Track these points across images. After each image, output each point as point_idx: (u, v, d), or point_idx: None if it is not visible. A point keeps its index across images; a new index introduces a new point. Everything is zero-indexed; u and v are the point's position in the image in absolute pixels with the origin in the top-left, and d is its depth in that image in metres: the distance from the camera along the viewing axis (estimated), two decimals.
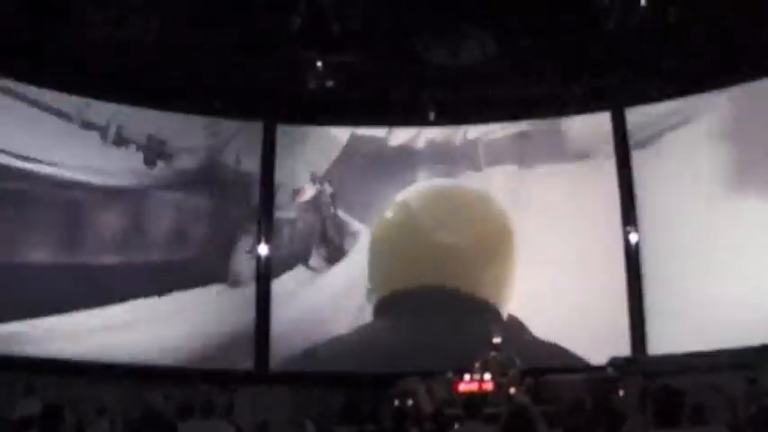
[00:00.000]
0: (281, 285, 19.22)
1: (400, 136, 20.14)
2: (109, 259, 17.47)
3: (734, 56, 16.83)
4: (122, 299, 17.26)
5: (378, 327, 18.87)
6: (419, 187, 19.88)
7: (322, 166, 19.88)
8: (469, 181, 19.81)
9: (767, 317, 15.77)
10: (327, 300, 19.17)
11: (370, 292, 19.16)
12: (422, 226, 19.35)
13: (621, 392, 14.09)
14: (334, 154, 19.90)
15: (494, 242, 19.43)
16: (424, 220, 19.44)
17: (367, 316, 19.06)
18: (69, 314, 16.55)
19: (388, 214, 19.60)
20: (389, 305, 18.97)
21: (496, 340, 16.41)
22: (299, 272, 19.23)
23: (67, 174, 17.30)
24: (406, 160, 20.03)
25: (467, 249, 19.08)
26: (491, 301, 18.91)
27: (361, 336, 18.80)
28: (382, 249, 19.42)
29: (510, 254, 19.21)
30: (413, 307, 18.77)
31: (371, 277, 19.29)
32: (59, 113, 17.39)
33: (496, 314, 18.68)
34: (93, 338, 16.62)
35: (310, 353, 18.58)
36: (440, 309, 18.66)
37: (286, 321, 18.88)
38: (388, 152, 20.08)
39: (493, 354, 16.18)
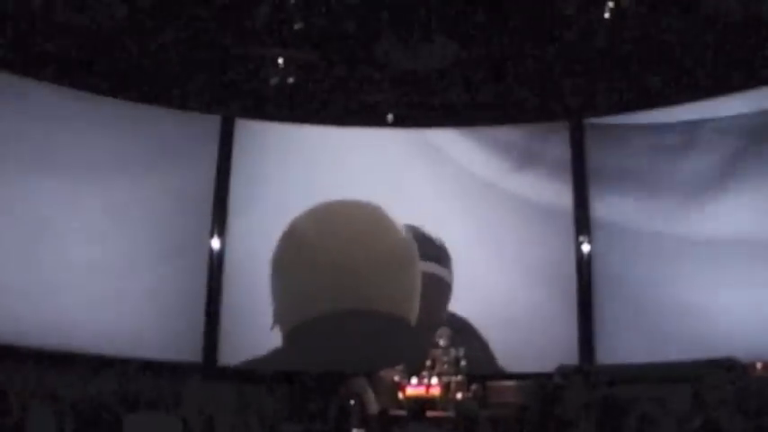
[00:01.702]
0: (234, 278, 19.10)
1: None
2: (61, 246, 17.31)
3: (693, 71, 17.02)
4: (72, 285, 17.10)
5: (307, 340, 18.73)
6: (324, 206, 19.42)
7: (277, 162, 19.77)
8: (403, 188, 19.45)
9: (714, 331, 16.00)
10: None
11: (281, 315, 18.89)
12: (325, 247, 18.96)
13: (568, 401, 14.17)
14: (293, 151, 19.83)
15: (393, 256, 19.20)
16: (326, 240, 19.05)
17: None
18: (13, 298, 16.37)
19: (288, 239, 19.22)
20: (304, 325, 18.71)
21: (443, 341, 16.46)
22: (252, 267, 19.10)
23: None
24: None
25: (370, 265, 18.84)
26: (398, 311, 18.74)
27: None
28: (294, 271, 19.15)
29: (410, 266, 19.09)
30: (328, 324, 18.50)
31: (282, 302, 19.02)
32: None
33: (408, 327, 18.58)
34: (40, 324, 16.44)
35: (259, 349, 18.47)
36: (355, 321, 18.45)
37: (236, 316, 18.76)
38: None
39: (440, 353, 16.26)
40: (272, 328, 18.57)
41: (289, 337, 18.66)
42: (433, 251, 19.08)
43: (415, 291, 18.89)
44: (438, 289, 19.02)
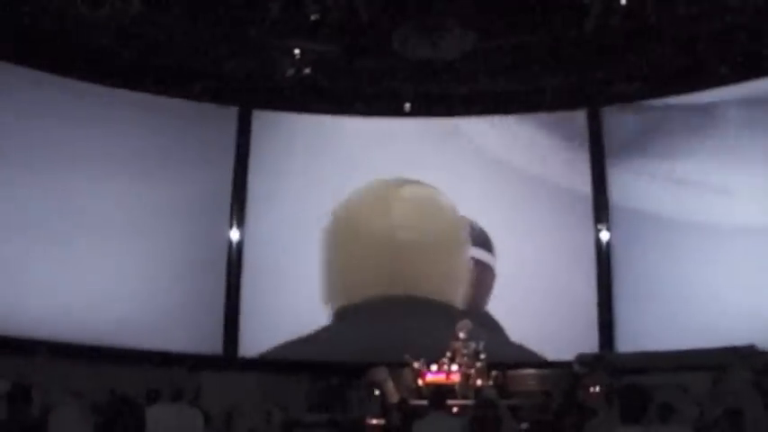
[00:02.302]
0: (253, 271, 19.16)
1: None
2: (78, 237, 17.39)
3: (709, 59, 16.95)
4: (94, 279, 17.18)
5: (342, 326, 18.79)
6: (371, 186, 19.64)
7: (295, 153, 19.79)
8: (423, 177, 19.63)
9: (735, 319, 15.93)
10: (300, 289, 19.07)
11: (330, 293, 19.03)
12: (378, 227, 19.22)
13: (588, 389, 14.17)
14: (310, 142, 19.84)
15: (445, 239, 19.36)
16: (379, 220, 19.30)
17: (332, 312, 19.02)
18: (36, 293, 16.45)
19: (342, 214, 19.42)
20: (352, 308, 18.86)
21: (462, 334, 16.40)
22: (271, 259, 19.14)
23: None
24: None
25: (422, 248, 19.03)
26: (448, 296, 18.87)
27: (330, 328, 18.73)
28: (339, 251, 19.32)
29: (461, 250, 19.16)
30: (376, 309, 18.67)
31: (331, 279, 19.17)
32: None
33: (453, 308, 18.61)
34: (63, 319, 16.51)
35: (280, 340, 18.52)
36: (404, 308, 18.60)
37: (257, 307, 18.81)
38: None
39: (460, 345, 16.20)
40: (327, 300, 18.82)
41: (337, 315, 18.89)
42: (481, 237, 19.17)
43: (464, 276, 19.02)
44: (485, 275, 19.12)
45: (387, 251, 19.06)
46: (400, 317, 18.33)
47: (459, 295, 18.89)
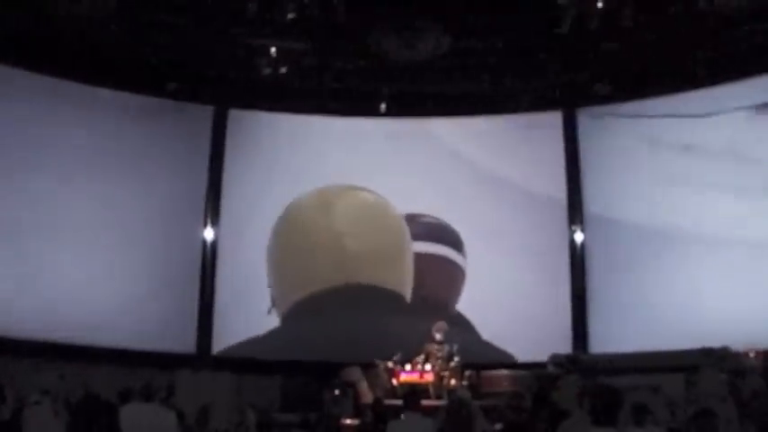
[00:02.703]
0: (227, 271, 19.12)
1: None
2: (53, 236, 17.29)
3: (683, 61, 17.05)
4: (65, 278, 17.10)
5: (311, 324, 18.77)
6: (325, 189, 19.67)
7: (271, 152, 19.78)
8: (394, 176, 19.58)
9: (708, 320, 16.03)
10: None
11: (283, 292, 19.03)
12: (333, 228, 19.26)
13: (561, 390, 14.21)
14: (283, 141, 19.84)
15: (393, 243, 19.50)
16: (333, 222, 19.33)
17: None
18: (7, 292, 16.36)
19: (295, 215, 19.47)
20: (311, 305, 18.87)
21: (439, 336, 16.40)
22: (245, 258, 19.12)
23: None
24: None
25: (374, 250, 19.14)
26: (402, 294, 18.99)
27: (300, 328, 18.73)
28: (296, 250, 19.34)
29: (406, 252, 19.24)
30: (334, 305, 18.71)
31: (284, 277, 19.19)
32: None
33: (403, 304, 18.84)
34: (35, 317, 16.42)
35: (254, 339, 18.49)
36: (361, 305, 18.70)
37: (231, 306, 18.77)
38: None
39: (434, 348, 16.20)
40: (269, 312, 18.67)
41: (287, 316, 18.80)
42: (449, 236, 19.22)
43: (409, 271, 19.09)
44: (451, 273, 19.16)
45: (333, 248, 19.09)
46: (352, 306, 18.52)
47: (406, 289, 19.00)
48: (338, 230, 19.13)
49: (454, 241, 19.19)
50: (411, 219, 19.42)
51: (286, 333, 18.67)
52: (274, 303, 18.81)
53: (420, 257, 19.28)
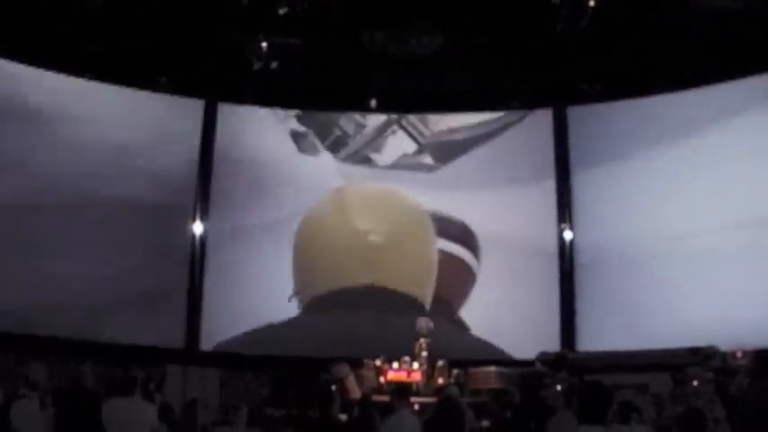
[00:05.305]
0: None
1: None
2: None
3: (675, 61, 17.08)
4: (53, 270, 17.05)
5: (309, 320, 18.81)
6: (341, 188, 19.74)
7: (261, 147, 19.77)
8: (388, 178, 19.74)
9: (696, 319, 16.07)
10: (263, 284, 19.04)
11: (300, 288, 19.04)
12: (347, 225, 19.25)
13: (549, 387, 14.23)
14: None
15: (412, 238, 19.49)
16: (349, 219, 19.31)
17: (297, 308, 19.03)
18: None
19: (313, 213, 19.48)
20: (321, 302, 18.90)
21: (425, 333, 16.41)
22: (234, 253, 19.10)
23: None
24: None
25: (389, 247, 19.08)
26: (415, 295, 18.93)
27: (292, 323, 18.74)
28: (310, 247, 19.33)
29: (428, 248, 19.22)
30: (344, 303, 18.74)
31: (301, 274, 19.17)
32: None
33: (421, 308, 18.62)
34: (21, 310, 16.38)
35: (241, 334, 18.48)
36: (370, 304, 18.67)
37: (219, 301, 18.76)
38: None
39: (422, 344, 16.22)
40: (289, 300, 18.78)
41: (307, 309, 18.91)
42: (469, 239, 19.20)
43: (431, 271, 19.06)
44: (463, 276, 19.14)
45: (347, 246, 19.11)
46: (364, 310, 18.53)
47: (425, 290, 18.92)
48: (358, 229, 19.14)
49: (473, 245, 19.18)
50: (434, 215, 19.39)
51: (290, 327, 18.71)
52: (297, 293, 18.92)
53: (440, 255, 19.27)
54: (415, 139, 19.88)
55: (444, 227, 19.28)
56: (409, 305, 18.59)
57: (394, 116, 19.93)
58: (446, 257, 19.21)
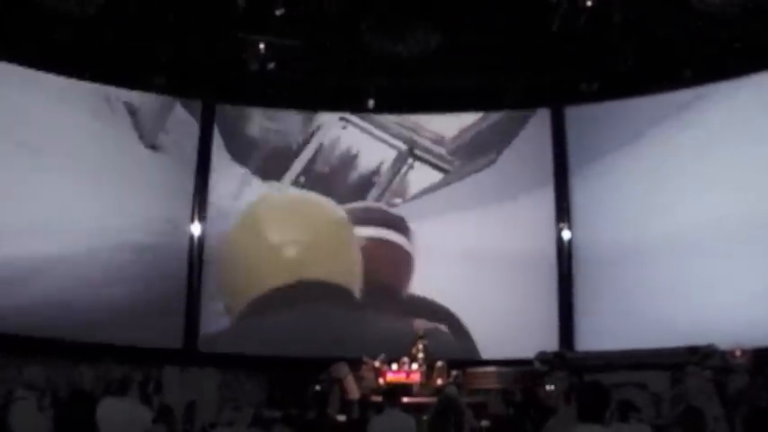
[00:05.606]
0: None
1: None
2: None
3: (673, 59, 17.08)
4: (52, 272, 17.02)
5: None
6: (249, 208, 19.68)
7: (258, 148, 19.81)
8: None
9: (695, 318, 16.07)
10: None
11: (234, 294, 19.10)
12: (258, 239, 19.31)
13: (548, 387, 14.24)
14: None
15: (330, 237, 19.59)
16: (260, 232, 19.38)
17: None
18: None
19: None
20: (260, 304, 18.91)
21: (420, 334, 16.44)
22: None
23: None
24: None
25: (309, 250, 19.14)
26: (351, 286, 19.06)
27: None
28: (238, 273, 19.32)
29: (350, 245, 19.29)
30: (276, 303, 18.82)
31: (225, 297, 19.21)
32: None
33: (351, 296, 18.91)
34: (20, 311, 16.35)
35: (240, 334, 18.49)
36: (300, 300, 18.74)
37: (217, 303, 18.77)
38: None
39: (420, 345, 16.23)
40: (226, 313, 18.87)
41: (241, 315, 18.84)
42: (390, 219, 19.37)
43: (357, 261, 19.09)
44: (394, 255, 19.21)
45: (280, 248, 19.17)
46: (301, 301, 18.62)
47: (353, 280, 19.11)
48: (272, 245, 19.16)
49: (398, 225, 19.30)
50: (352, 210, 19.51)
51: (243, 328, 18.77)
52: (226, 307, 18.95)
53: (367, 243, 19.35)
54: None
55: (368, 216, 19.45)
56: (338, 295, 18.81)
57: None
58: (376, 244, 19.33)
